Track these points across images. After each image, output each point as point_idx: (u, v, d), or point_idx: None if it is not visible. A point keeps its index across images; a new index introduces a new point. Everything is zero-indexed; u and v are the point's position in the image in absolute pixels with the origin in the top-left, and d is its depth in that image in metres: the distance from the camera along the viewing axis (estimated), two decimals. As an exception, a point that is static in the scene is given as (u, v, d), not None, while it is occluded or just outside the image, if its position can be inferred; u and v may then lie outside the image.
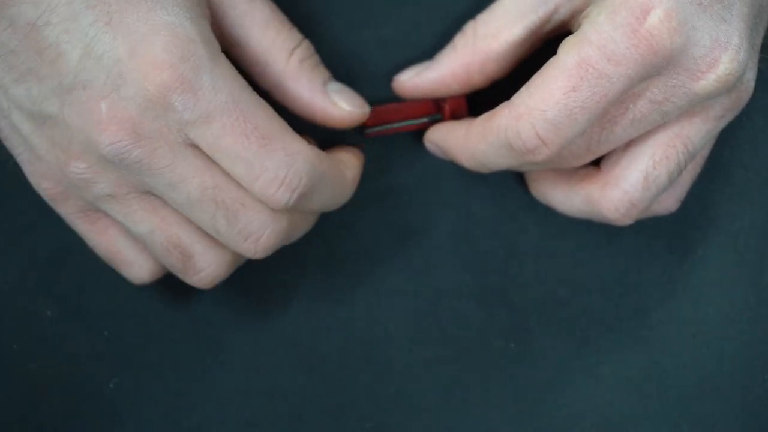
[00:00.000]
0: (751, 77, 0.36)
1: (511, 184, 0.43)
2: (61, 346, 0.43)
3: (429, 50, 0.40)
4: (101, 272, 0.43)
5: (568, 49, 0.34)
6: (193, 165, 0.34)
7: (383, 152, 0.43)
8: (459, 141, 0.39)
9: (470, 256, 0.43)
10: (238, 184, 0.35)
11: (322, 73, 0.38)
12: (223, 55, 0.34)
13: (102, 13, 0.33)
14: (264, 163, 0.34)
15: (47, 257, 0.43)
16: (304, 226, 0.39)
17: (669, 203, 0.40)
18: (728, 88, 0.35)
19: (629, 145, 0.37)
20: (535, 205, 0.43)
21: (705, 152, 0.40)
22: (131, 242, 0.39)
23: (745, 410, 0.44)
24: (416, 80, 0.40)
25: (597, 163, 0.39)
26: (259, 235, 0.36)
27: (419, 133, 0.42)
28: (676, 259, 0.44)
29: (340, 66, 0.41)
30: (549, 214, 0.43)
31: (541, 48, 0.39)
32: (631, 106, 0.35)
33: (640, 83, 0.34)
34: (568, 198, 0.39)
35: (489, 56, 0.38)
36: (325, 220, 0.43)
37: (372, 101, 0.40)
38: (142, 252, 0.39)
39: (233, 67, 0.34)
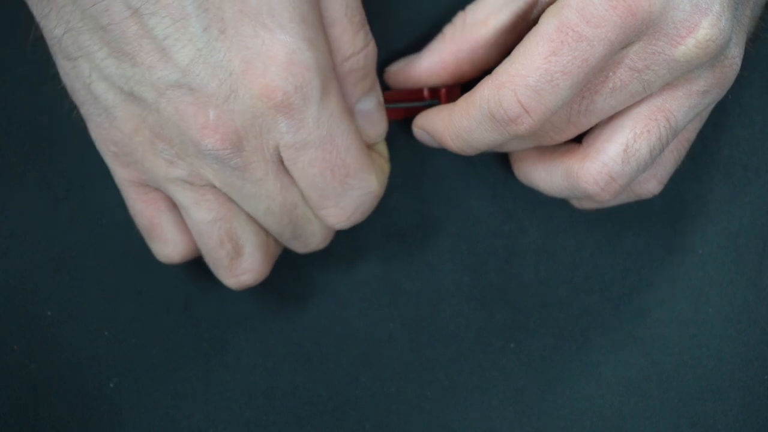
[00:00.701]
0: (736, 54, 0.35)
1: (511, 184, 0.43)
2: (61, 346, 0.43)
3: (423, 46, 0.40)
4: (101, 273, 0.43)
5: (548, 16, 0.34)
6: (280, 182, 0.36)
7: (383, 152, 0.43)
8: (444, 121, 0.38)
9: (470, 256, 0.43)
10: (306, 204, 0.37)
11: (363, 87, 0.38)
12: (333, 86, 0.35)
13: (216, 19, 0.33)
14: (338, 200, 0.37)
15: (48, 258, 0.43)
16: None
17: (651, 185, 0.39)
18: (709, 56, 0.34)
19: (611, 118, 0.37)
20: (535, 205, 0.43)
21: (690, 134, 0.40)
22: (174, 221, 0.39)
23: (745, 410, 0.44)
24: (406, 70, 0.40)
25: (579, 140, 0.39)
26: (316, 245, 0.39)
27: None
28: (676, 259, 0.44)
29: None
30: (549, 214, 0.43)
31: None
32: (611, 74, 0.35)
33: (621, 50, 0.34)
34: (549, 175, 0.39)
35: (477, 43, 0.38)
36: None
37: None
38: (181, 233, 0.39)
39: (340, 99, 0.35)
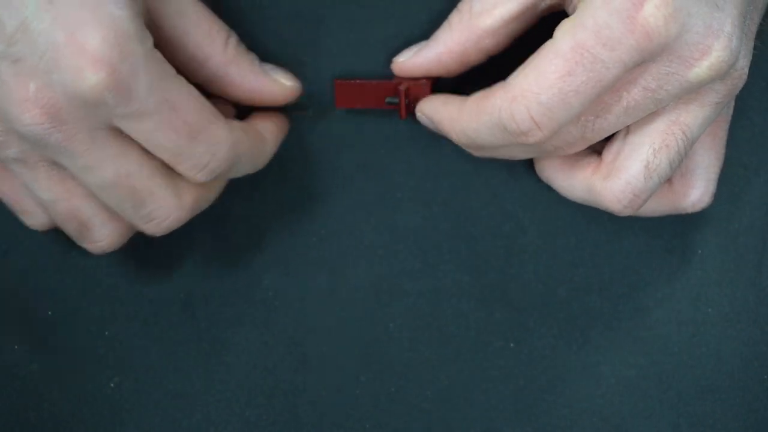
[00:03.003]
0: (744, 64, 0.36)
1: (511, 184, 0.43)
2: (61, 346, 0.43)
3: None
4: (102, 273, 0.43)
5: (563, 33, 0.34)
6: (110, 151, 0.35)
7: (383, 152, 0.43)
8: (452, 116, 0.39)
9: (470, 256, 0.43)
10: (150, 173, 0.36)
11: (254, 55, 0.39)
12: (156, 51, 0.35)
13: None
14: (189, 153, 0.36)
15: (48, 258, 0.43)
16: (215, 193, 0.40)
17: (695, 195, 0.41)
18: (721, 75, 0.35)
19: (628, 134, 0.37)
20: (535, 205, 0.43)
21: (722, 138, 0.40)
22: (32, 194, 0.39)
23: (745, 410, 0.44)
24: (414, 60, 0.40)
25: (595, 146, 0.39)
26: (161, 219, 0.37)
27: (418, 133, 0.42)
28: (676, 259, 0.44)
29: (341, 64, 0.41)
30: (549, 214, 0.43)
31: (536, 25, 0.39)
32: (624, 93, 0.35)
33: (635, 69, 0.34)
34: (571, 185, 0.40)
35: (485, 32, 0.38)
36: (325, 220, 0.43)
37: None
38: (40, 205, 0.39)
39: (166, 61, 0.35)
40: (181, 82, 0.35)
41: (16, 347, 0.43)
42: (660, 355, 0.44)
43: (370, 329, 0.43)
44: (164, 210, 0.37)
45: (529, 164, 0.42)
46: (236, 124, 0.38)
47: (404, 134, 0.42)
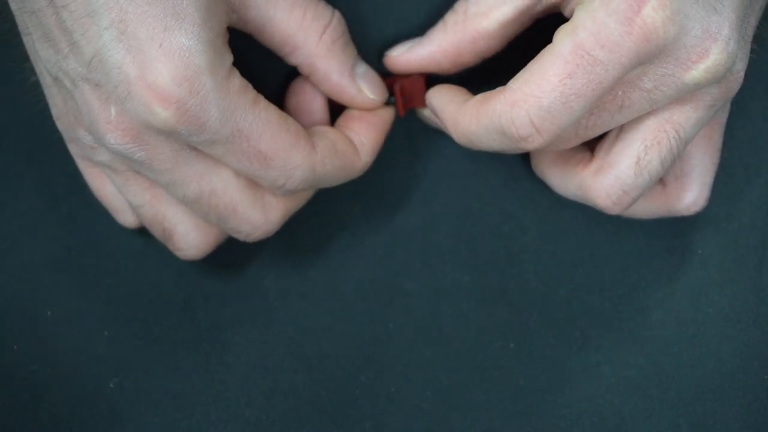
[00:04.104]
0: (740, 67, 0.36)
1: (511, 184, 0.43)
2: (61, 346, 0.43)
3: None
4: (101, 273, 0.43)
5: (563, 36, 0.34)
6: (193, 169, 0.36)
7: (383, 152, 0.43)
8: (453, 115, 0.39)
9: (470, 256, 0.43)
10: (234, 190, 0.37)
11: (351, 53, 0.39)
12: (232, 78, 0.34)
13: (117, 20, 0.32)
14: (264, 176, 0.36)
15: (48, 258, 0.43)
16: (304, 200, 0.40)
17: (689, 198, 0.41)
18: (717, 78, 0.35)
19: (620, 131, 0.37)
20: (535, 205, 0.43)
21: (717, 141, 0.40)
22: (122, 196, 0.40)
23: (745, 410, 0.44)
24: (407, 56, 0.40)
25: (589, 144, 0.39)
26: (248, 233, 0.38)
27: (418, 133, 0.42)
28: (676, 259, 0.44)
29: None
30: (549, 214, 0.43)
31: (531, 27, 0.39)
32: (620, 93, 0.35)
33: (633, 71, 0.34)
34: (563, 181, 0.40)
35: (479, 34, 0.38)
36: (325, 220, 0.43)
37: None
38: (130, 206, 0.40)
39: (242, 89, 0.34)
40: (257, 109, 0.35)
41: (15, 347, 0.43)
42: (660, 356, 0.44)
43: (370, 329, 0.43)
44: (249, 225, 0.38)
45: (529, 165, 0.42)
46: (325, 143, 0.38)
47: (404, 134, 0.42)
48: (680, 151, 0.37)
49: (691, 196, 0.40)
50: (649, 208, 0.41)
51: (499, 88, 0.36)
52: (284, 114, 0.36)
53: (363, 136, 0.40)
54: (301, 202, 0.40)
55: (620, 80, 0.34)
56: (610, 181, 0.37)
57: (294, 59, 0.38)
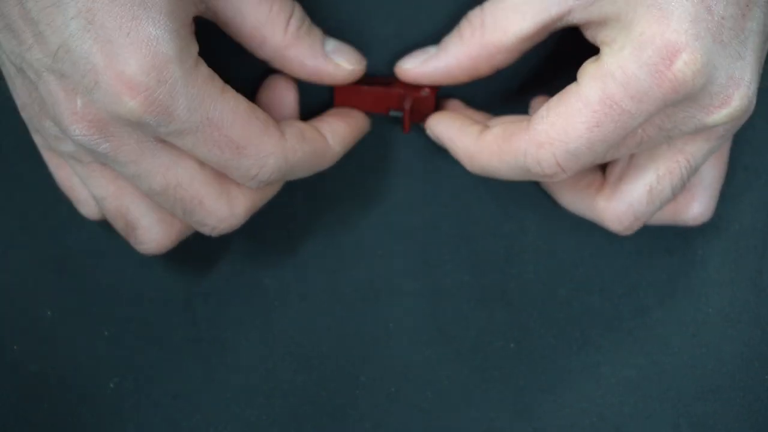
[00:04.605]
0: (754, 100, 0.36)
1: (511, 184, 0.43)
2: (61, 346, 0.43)
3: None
4: (101, 273, 0.43)
5: (591, 83, 0.34)
6: (158, 161, 0.35)
7: (383, 152, 0.43)
8: (468, 148, 0.39)
9: (470, 256, 0.43)
10: (200, 182, 0.36)
11: (318, 34, 0.39)
12: (199, 67, 0.34)
13: (84, 9, 0.32)
14: (236, 165, 0.35)
15: (47, 258, 0.43)
16: (271, 194, 0.40)
17: (696, 210, 0.41)
18: (736, 120, 0.35)
19: (633, 159, 0.38)
20: (535, 205, 0.43)
21: (725, 154, 0.41)
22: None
23: (745, 410, 0.44)
24: (422, 69, 0.40)
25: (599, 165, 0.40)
26: (214, 226, 0.38)
27: (418, 133, 0.42)
28: (676, 259, 0.44)
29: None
30: (549, 214, 0.43)
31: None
32: (640, 131, 0.35)
33: (656, 115, 0.35)
34: (573, 201, 0.40)
35: (496, 49, 0.38)
36: (325, 219, 0.43)
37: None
38: (93, 197, 0.39)
39: (209, 78, 0.34)
40: (226, 97, 0.35)
41: (15, 347, 0.43)
42: (660, 355, 0.44)
43: (370, 329, 0.43)
44: (215, 218, 0.37)
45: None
46: (292, 130, 0.38)
47: (404, 134, 0.42)
48: (690, 177, 0.38)
49: (699, 207, 0.41)
50: (656, 217, 0.41)
51: (520, 123, 0.36)
52: (252, 103, 0.36)
53: (332, 125, 0.40)
54: (267, 196, 0.40)
55: (642, 125, 0.35)
56: (623, 208, 0.38)
57: (263, 53, 0.38)
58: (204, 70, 0.34)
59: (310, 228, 0.43)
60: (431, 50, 0.39)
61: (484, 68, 0.39)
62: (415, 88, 0.40)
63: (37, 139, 0.39)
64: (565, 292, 0.44)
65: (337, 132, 0.40)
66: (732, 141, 0.41)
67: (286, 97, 0.40)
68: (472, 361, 0.43)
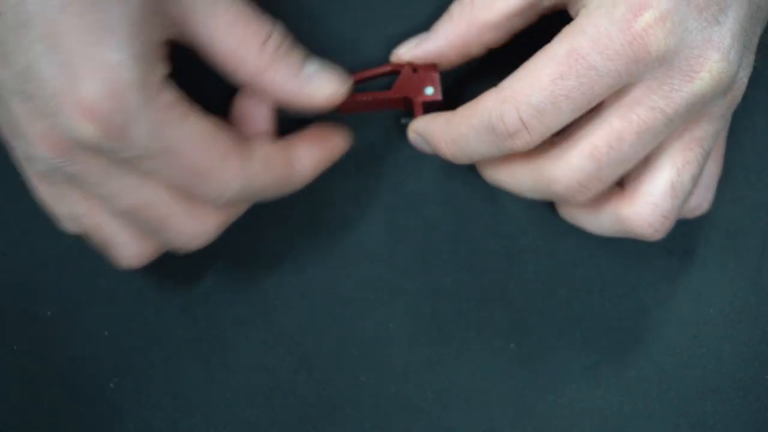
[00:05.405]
0: (743, 75, 0.36)
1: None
2: (61, 346, 0.43)
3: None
4: (101, 273, 0.43)
5: (561, 38, 0.34)
6: (125, 183, 0.35)
7: (383, 152, 0.43)
8: (442, 128, 0.38)
9: (470, 256, 0.43)
10: (168, 202, 0.36)
11: (298, 55, 0.37)
12: (163, 93, 0.34)
13: (48, 32, 0.32)
14: (198, 189, 0.35)
15: (48, 258, 0.43)
16: (242, 209, 0.40)
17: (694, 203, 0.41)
18: (722, 88, 0.35)
19: (647, 160, 0.37)
20: (535, 205, 0.43)
21: (721, 147, 0.41)
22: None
23: (745, 410, 0.44)
24: (415, 52, 0.40)
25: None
26: (185, 243, 0.37)
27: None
28: (676, 259, 0.44)
29: (342, 65, 0.41)
30: (549, 214, 0.43)
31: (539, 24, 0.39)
32: (634, 116, 0.35)
33: (637, 88, 0.34)
34: (598, 220, 0.39)
35: (486, 26, 0.38)
36: (325, 219, 0.43)
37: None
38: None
39: (173, 104, 0.34)
40: (188, 123, 0.34)
41: (15, 347, 0.43)
42: (660, 355, 0.44)
43: (370, 329, 0.43)
44: (186, 235, 0.37)
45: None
46: (259, 154, 0.37)
47: (404, 134, 0.42)
48: (705, 163, 0.37)
49: (696, 199, 0.40)
50: None
51: (491, 89, 0.36)
52: (219, 124, 0.35)
53: (306, 148, 0.39)
54: (239, 211, 0.39)
55: (614, 88, 0.34)
56: (649, 210, 0.37)
57: (240, 77, 0.37)
58: (168, 95, 0.34)
59: (310, 228, 0.43)
60: (423, 35, 0.40)
61: (476, 47, 0.39)
62: (415, 87, 0.40)
63: (14, 154, 0.38)
64: (565, 292, 0.44)
65: (310, 155, 0.39)
66: (732, 142, 0.41)
67: (259, 110, 0.39)
68: (472, 361, 0.43)
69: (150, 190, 0.35)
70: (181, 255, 0.41)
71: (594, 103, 0.35)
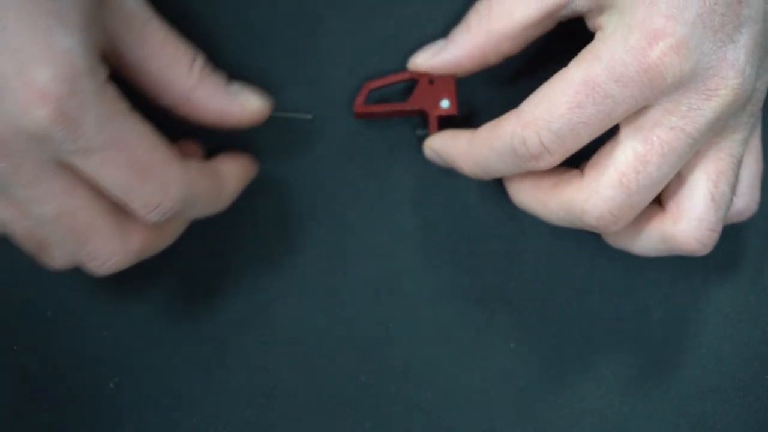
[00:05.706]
0: (760, 85, 0.36)
1: (511, 184, 0.43)
2: (61, 346, 0.43)
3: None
4: (101, 272, 0.43)
5: (577, 64, 0.35)
6: (55, 186, 0.34)
7: (383, 152, 0.43)
8: (462, 148, 0.39)
9: (470, 256, 0.43)
10: (96, 212, 0.35)
11: (222, 76, 0.38)
12: (110, 86, 0.33)
13: None
14: (139, 191, 0.34)
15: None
16: (167, 238, 0.39)
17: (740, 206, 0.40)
18: (741, 103, 0.35)
19: (681, 177, 0.37)
20: (535, 205, 0.43)
21: (758, 146, 0.40)
22: None
23: (745, 410, 0.44)
24: (433, 62, 0.40)
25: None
26: (103, 261, 0.36)
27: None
28: (676, 259, 0.44)
29: (342, 65, 0.41)
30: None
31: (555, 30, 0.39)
32: (655, 138, 0.35)
33: (656, 110, 0.34)
34: (643, 242, 0.39)
35: (504, 36, 0.38)
36: (325, 219, 0.43)
37: (377, 100, 0.41)
38: None
39: (119, 98, 0.34)
40: (134, 119, 0.34)
41: (15, 347, 0.43)
42: (660, 355, 0.44)
43: (370, 329, 0.43)
44: (106, 252, 0.36)
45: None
46: (193, 164, 0.37)
47: (404, 134, 0.42)
48: (738, 170, 0.37)
49: (742, 202, 0.40)
50: None
51: (511, 111, 0.37)
52: (156, 131, 0.35)
53: (228, 168, 0.39)
54: (164, 239, 0.38)
55: (631, 112, 0.35)
56: (694, 226, 0.37)
57: (168, 97, 0.37)
58: (114, 89, 0.34)
59: (310, 228, 0.43)
60: (441, 43, 0.40)
61: (492, 57, 0.39)
62: (431, 99, 0.40)
63: None
64: (565, 292, 0.44)
65: (234, 173, 0.40)
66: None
67: (191, 149, 0.40)
68: (472, 361, 0.43)
69: (79, 197, 0.34)
70: (180, 255, 0.41)
71: (613, 124, 0.35)
